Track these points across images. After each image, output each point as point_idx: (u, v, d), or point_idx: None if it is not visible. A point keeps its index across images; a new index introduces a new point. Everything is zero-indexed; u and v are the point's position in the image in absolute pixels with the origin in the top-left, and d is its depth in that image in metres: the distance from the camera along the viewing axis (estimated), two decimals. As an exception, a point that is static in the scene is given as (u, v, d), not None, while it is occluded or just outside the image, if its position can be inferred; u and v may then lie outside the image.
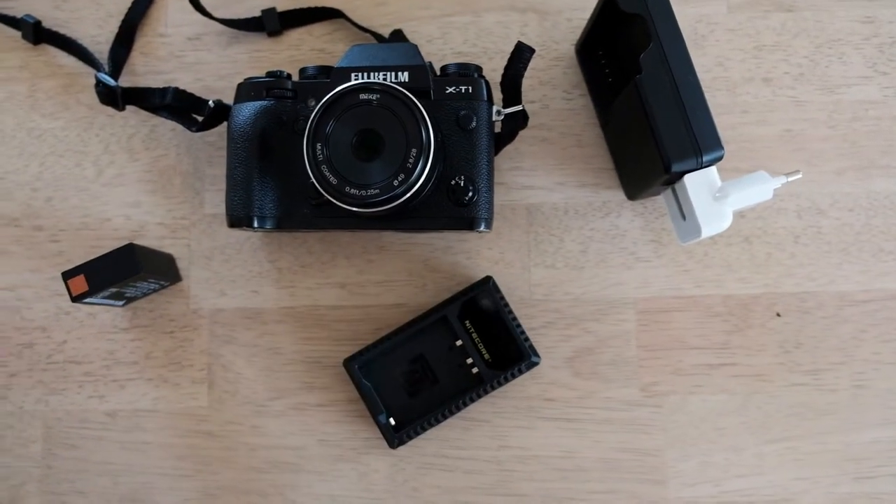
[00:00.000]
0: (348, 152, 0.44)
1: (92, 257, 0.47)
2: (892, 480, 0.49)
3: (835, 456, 0.49)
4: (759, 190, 0.44)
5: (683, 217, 0.45)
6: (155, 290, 0.52)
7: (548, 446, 0.50)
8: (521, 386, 0.50)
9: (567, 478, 0.50)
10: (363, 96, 0.44)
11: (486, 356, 0.49)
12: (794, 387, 0.50)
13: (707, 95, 0.50)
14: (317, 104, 0.44)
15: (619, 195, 0.52)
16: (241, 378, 0.51)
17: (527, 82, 0.53)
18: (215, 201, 0.53)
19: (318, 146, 0.44)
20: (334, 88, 0.44)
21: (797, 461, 0.49)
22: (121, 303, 0.51)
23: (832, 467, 0.49)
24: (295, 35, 0.54)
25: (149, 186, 0.53)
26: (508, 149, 0.51)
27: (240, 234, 0.52)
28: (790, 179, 0.45)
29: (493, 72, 0.51)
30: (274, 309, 0.52)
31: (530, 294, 0.51)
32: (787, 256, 0.51)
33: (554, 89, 0.53)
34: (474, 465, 0.50)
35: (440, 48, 0.54)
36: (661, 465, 0.50)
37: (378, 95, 0.44)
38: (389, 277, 0.52)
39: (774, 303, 0.51)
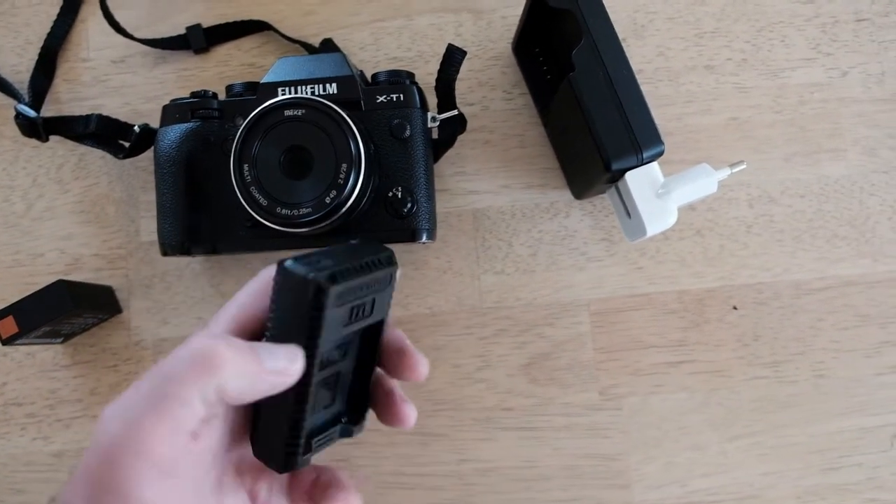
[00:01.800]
0: (277, 171, 0.42)
1: (25, 296, 0.45)
2: (857, 470, 0.48)
3: (799, 448, 0.48)
4: (702, 184, 0.43)
5: (629, 215, 0.44)
6: (94, 325, 0.50)
7: (508, 457, 0.49)
8: (478, 397, 0.49)
9: (530, 488, 0.49)
10: (288, 112, 0.42)
11: None
12: (754, 380, 0.49)
13: (650, 86, 0.49)
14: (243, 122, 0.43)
15: (567, 195, 0.51)
16: (189, 409, 0.49)
17: (465, 84, 0.51)
18: (151, 228, 0.51)
19: (245, 167, 0.42)
20: (260, 105, 0.43)
21: (762, 456, 0.48)
22: (59, 340, 0.49)
23: (797, 460, 0.48)
24: (223, 51, 0.52)
25: (81, 217, 0.51)
26: (450, 153, 0.49)
27: (179, 261, 0.51)
28: (734, 171, 0.44)
29: (430, 76, 0.49)
30: (219, 335, 0.50)
31: (481, 302, 0.50)
32: (740, 247, 0.50)
33: (493, 90, 0.52)
34: (434, 482, 0.49)
35: (373, 55, 0.52)
36: (625, 468, 0.49)
37: (303, 111, 0.42)
38: (336, 295, 0.50)
39: (730, 296, 0.50)
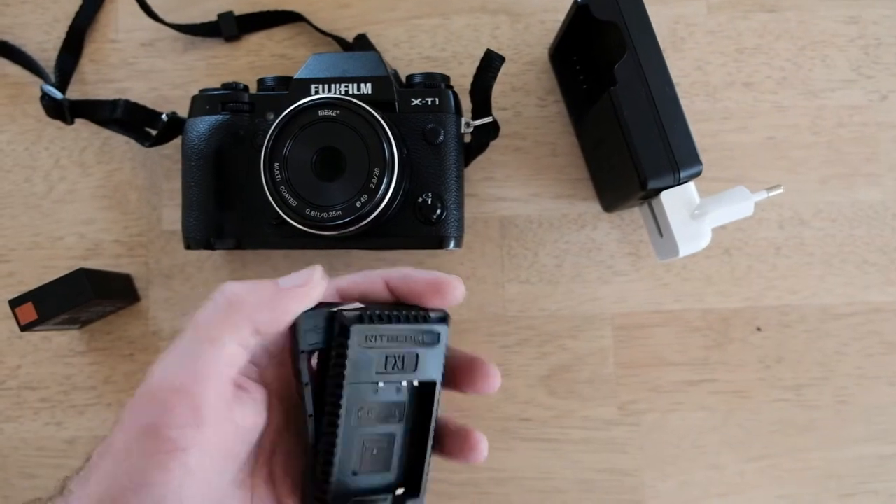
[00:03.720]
0: (308, 172, 0.42)
1: (45, 278, 0.45)
2: (874, 497, 0.48)
3: (817, 473, 0.48)
4: (739, 207, 0.42)
5: (661, 234, 0.44)
6: (112, 312, 0.49)
7: (524, 468, 0.49)
8: (497, 406, 0.49)
9: (544, 499, 0.48)
10: (323, 112, 0.42)
11: None
12: (775, 403, 0.49)
13: (686, 101, 0.49)
14: (276, 118, 0.42)
15: (596, 206, 0.50)
16: (204, 402, 0.49)
17: (499, 88, 0.50)
18: (173, 217, 0.50)
19: (276, 166, 0.42)
20: (293, 102, 0.42)
21: (778, 479, 0.48)
22: (76, 326, 0.49)
23: (814, 484, 0.48)
24: (254, 40, 0.51)
25: (103, 202, 0.50)
26: (480, 158, 0.49)
27: (200, 252, 0.50)
28: (771, 195, 0.43)
29: (463, 77, 0.49)
30: (237, 329, 0.50)
31: (504, 311, 0.49)
32: (768, 269, 0.49)
33: (527, 95, 0.51)
34: (449, 489, 0.49)
35: (407, 52, 0.51)
36: (640, 485, 0.48)
37: (338, 111, 0.42)
38: (357, 295, 0.50)
39: (755, 317, 0.49)
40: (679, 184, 0.42)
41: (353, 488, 0.33)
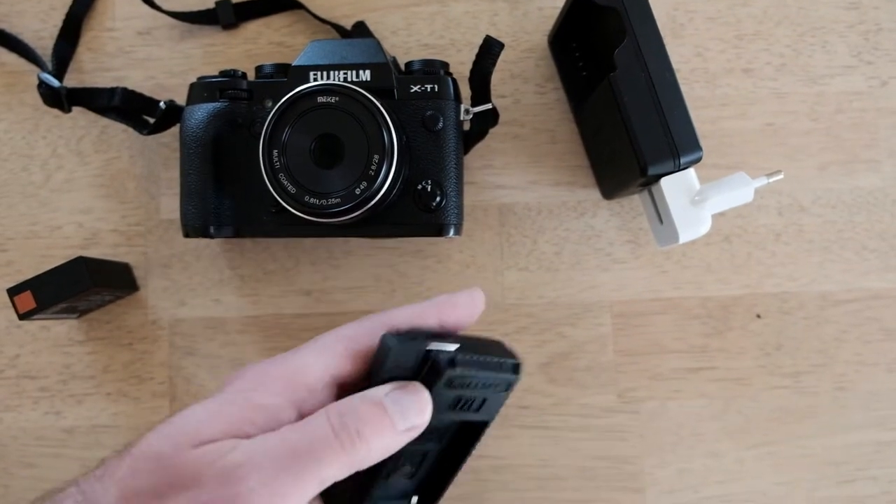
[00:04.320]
0: (307, 159, 0.42)
1: (43, 267, 0.44)
2: (872, 483, 0.48)
3: (815, 460, 0.48)
4: (739, 193, 0.42)
5: (661, 221, 0.44)
6: (111, 301, 0.49)
7: (523, 455, 0.49)
8: (495, 393, 0.49)
9: (543, 487, 0.48)
10: (321, 99, 0.41)
11: None
12: (774, 390, 0.49)
13: (685, 88, 0.48)
14: (274, 105, 0.42)
15: (595, 194, 0.50)
16: (203, 391, 0.49)
17: (498, 75, 0.50)
18: (172, 206, 0.50)
19: (275, 153, 0.41)
20: (292, 89, 0.42)
21: (777, 466, 0.48)
22: (75, 315, 0.49)
23: (812, 471, 0.48)
24: (252, 28, 0.51)
25: (101, 191, 0.50)
26: (479, 146, 0.49)
27: (198, 241, 0.50)
28: (771, 181, 0.43)
29: (462, 65, 0.49)
30: (236, 318, 0.50)
31: (503, 298, 0.49)
32: (767, 256, 0.49)
33: (526, 83, 0.51)
34: (448, 476, 0.49)
35: (405, 40, 0.51)
36: (639, 472, 0.48)
37: (337, 98, 0.41)
38: (356, 283, 0.50)
39: (755, 304, 0.49)
40: (679, 170, 0.42)
41: (381, 495, 0.33)
